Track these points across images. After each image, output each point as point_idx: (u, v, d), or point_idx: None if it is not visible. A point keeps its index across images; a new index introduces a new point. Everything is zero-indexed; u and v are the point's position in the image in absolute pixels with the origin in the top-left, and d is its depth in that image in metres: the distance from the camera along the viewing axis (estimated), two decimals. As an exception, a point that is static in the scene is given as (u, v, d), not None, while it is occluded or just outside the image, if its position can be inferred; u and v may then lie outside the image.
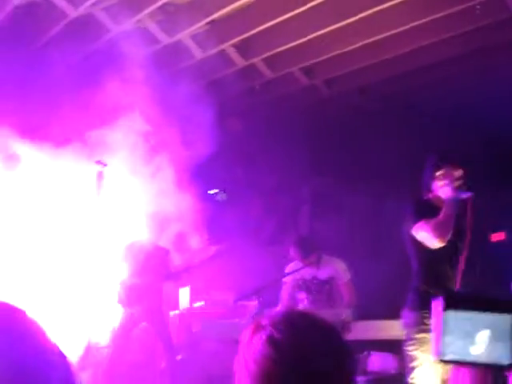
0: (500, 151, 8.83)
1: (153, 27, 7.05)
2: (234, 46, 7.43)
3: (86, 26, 7.05)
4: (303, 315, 1.44)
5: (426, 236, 4.21)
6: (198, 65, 7.62)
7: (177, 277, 6.77)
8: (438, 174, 4.41)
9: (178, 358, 7.86)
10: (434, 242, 4.20)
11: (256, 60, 7.70)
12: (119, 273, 6.38)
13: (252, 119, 7.33)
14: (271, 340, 1.33)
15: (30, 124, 6.30)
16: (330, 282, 6.18)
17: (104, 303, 6.20)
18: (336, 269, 6.24)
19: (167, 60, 7.52)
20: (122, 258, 6.42)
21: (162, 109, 6.80)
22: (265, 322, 1.40)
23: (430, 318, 4.17)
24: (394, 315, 5.03)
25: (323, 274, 6.21)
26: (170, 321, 8.04)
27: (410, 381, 4.21)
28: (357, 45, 7.19)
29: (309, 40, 7.09)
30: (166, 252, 6.80)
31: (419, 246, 4.35)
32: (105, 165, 4.69)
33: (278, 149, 7.58)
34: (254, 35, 7.10)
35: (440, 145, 8.61)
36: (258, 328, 1.39)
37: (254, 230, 8.28)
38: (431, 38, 7.06)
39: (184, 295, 8.28)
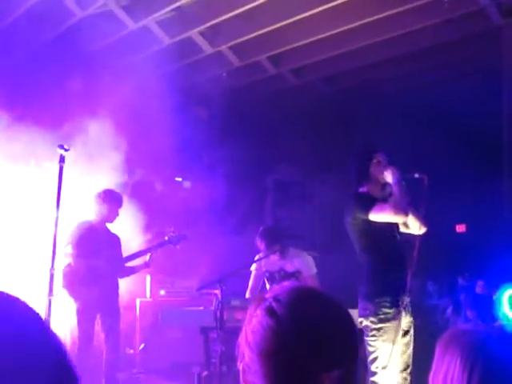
0: (466, 146, 8.96)
1: (118, 12, 6.96)
2: (201, 33, 7.38)
3: (50, 10, 6.93)
4: (306, 289, 1.45)
5: (388, 214, 4.35)
6: (164, 51, 7.57)
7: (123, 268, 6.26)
8: (374, 161, 4.54)
9: (142, 346, 7.86)
10: (395, 218, 4.36)
11: (223, 47, 7.68)
12: (65, 255, 5.90)
13: (218, 106, 7.32)
14: (270, 310, 1.34)
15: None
16: (296, 274, 6.21)
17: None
18: (303, 262, 6.29)
19: (133, 46, 7.45)
20: (69, 238, 5.91)
21: (128, 95, 6.75)
22: (268, 295, 1.40)
23: (387, 306, 4.27)
24: (355, 305, 5.08)
25: (290, 266, 6.25)
26: (139, 308, 8.01)
27: (373, 370, 4.26)
28: (324, 34, 7.21)
29: (276, 29, 7.09)
30: (118, 238, 6.34)
31: (370, 236, 4.44)
32: (67, 149, 4.57)
33: (244, 136, 7.58)
34: (221, 22, 7.07)
35: (405, 136, 8.73)
36: (260, 301, 1.39)
37: (219, 219, 8.28)
38: (398, 30, 7.10)
39: (147, 283, 8.26)
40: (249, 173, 8.41)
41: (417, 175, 4.58)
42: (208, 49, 7.61)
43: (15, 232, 6.50)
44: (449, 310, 7.94)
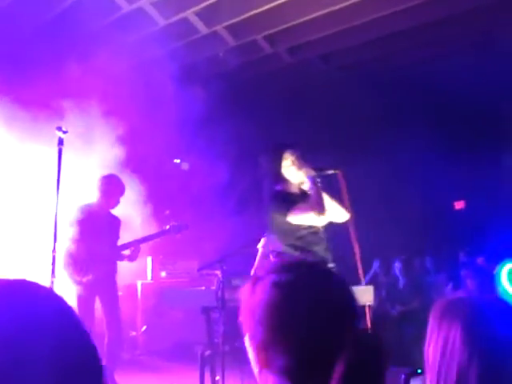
0: (463, 120, 8.94)
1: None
2: (197, 13, 7.34)
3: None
4: (299, 260, 1.47)
5: (309, 217, 4.42)
6: (160, 32, 7.52)
7: (124, 254, 6.19)
8: (284, 163, 4.58)
9: (144, 328, 7.90)
10: (317, 218, 4.43)
11: (219, 27, 7.63)
12: (65, 238, 5.77)
13: (215, 87, 7.28)
14: (277, 284, 1.32)
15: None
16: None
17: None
18: None
19: (129, 27, 7.41)
20: (70, 222, 5.82)
21: (125, 77, 6.72)
22: (262, 272, 1.39)
23: None
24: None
25: None
26: (140, 290, 8.04)
27: None
28: (320, 13, 7.16)
29: (272, 8, 7.04)
30: (119, 221, 6.26)
31: (290, 233, 4.53)
32: (65, 132, 4.56)
33: (240, 117, 7.57)
34: (216, 2, 7.02)
35: (403, 112, 8.73)
36: (257, 280, 1.37)
37: (219, 199, 8.28)
38: (394, 7, 7.05)
39: (148, 265, 8.29)
40: (247, 152, 8.39)
41: (331, 171, 4.64)
42: (204, 29, 7.57)
43: (16, 215, 6.51)
44: (449, 287, 7.99)
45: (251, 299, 1.36)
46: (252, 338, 1.35)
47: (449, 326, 1.63)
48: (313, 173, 4.52)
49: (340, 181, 4.59)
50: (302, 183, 4.62)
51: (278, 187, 4.64)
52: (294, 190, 4.63)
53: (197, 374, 5.36)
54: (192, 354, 6.60)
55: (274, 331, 1.30)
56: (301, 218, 4.44)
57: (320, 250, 4.56)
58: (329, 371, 1.24)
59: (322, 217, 4.41)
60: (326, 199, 4.53)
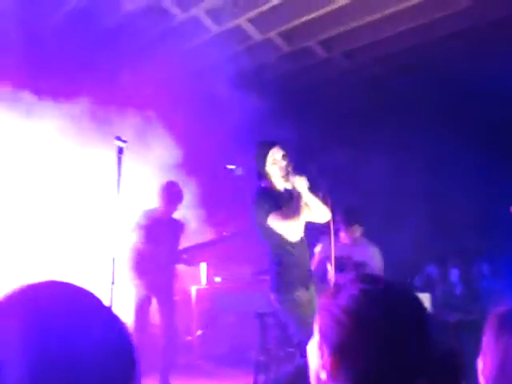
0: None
1: (166, 2, 7.00)
2: (250, 20, 7.37)
3: (97, 3, 7.02)
4: (374, 275, 1.48)
5: (286, 225, 4.43)
6: (214, 40, 7.59)
7: (183, 258, 6.40)
8: (268, 160, 4.63)
9: (199, 332, 7.96)
10: (293, 225, 4.45)
11: (272, 34, 7.65)
12: (129, 242, 6.04)
13: (268, 94, 7.31)
14: (365, 292, 1.34)
15: (51, 94, 6.33)
16: (363, 265, 6.17)
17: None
18: (373, 254, 6.27)
19: (182, 36, 7.50)
20: (133, 226, 6.08)
21: (180, 84, 6.81)
22: (343, 281, 1.40)
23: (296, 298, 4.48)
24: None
25: (358, 255, 6.20)
26: (195, 295, 8.10)
27: None
28: (375, 16, 7.10)
29: (326, 12, 7.02)
30: (182, 225, 6.47)
31: (271, 231, 4.51)
32: (125, 141, 4.67)
33: (295, 123, 7.57)
34: (270, 9, 7.04)
35: (457, 115, 8.57)
36: (338, 289, 1.39)
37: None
38: (450, 9, 6.94)
39: (203, 270, 8.34)
40: (301, 158, 8.38)
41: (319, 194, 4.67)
42: (257, 36, 7.59)
43: (78, 222, 6.67)
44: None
45: (333, 303, 1.36)
46: (327, 342, 1.34)
47: (508, 337, 1.56)
48: (301, 182, 4.50)
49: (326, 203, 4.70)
50: (285, 181, 4.61)
51: (265, 184, 4.66)
52: (279, 187, 4.63)
53: (252, 380, 5.39)
54: (247, 358, 6.63)
55: (356, 336, 1.30)
56: (275, 225, 4.43)
57: (301, 248, 4.59)
58: None
59: (297, 221, 4.42)
60: (310, 198, 4.54)
